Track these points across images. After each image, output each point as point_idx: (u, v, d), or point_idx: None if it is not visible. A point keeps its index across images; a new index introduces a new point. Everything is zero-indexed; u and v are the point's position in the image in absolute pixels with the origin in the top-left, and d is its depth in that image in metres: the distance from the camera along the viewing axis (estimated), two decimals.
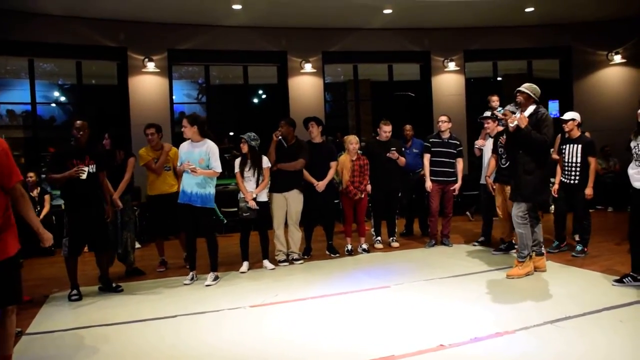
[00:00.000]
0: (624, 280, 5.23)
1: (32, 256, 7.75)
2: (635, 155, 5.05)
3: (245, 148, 6.50)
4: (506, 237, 6.98)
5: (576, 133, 6.64)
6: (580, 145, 6.56)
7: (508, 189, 6.41)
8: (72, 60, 10.39)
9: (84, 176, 5.48)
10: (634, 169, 5.07)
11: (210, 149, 6.07)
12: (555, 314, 4.44)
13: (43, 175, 8.75)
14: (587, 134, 7.33)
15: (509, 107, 6.49)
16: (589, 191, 6.55)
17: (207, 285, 5.97)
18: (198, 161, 5.98)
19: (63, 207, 5.76)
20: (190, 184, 6.00)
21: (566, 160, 6.62)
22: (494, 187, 6.97)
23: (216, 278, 6.12)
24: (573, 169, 6.57)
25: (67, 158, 5.56)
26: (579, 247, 6.69)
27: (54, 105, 13.55)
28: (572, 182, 6.58)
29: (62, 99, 13.62)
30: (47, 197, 8.42)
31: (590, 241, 6.73)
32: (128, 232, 6.52)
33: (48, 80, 12.71)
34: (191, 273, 6.20)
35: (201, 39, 10.63)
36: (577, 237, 7.00)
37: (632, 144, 5.10)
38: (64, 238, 5.64)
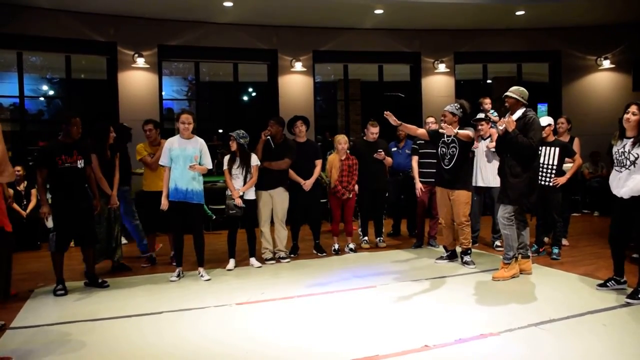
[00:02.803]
0: (607, 284, 5.27)
1: (18, 250, 7.69)
2: (615, 161, 5.02)
3: (234, 146, 6.50)
4: (449, 245, 6.76)
5: (552, 137, 6.69)
6: (558, 148, 6.62)
7: (452, 193, 6.40)
8: (61, 54, 10.34)
9: (49, 224, 5.59)
10: (615, 175, 5.03)
11: (202, 145, 6.16)
12: (540, 317, 4.47)
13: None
14: (576, 139, 7.36)
15: (449, 108, 6.32)
16: (562, 179, 6.64)
17: (207, 280, 6.05)
18: (193, 157, 6.02)
19: (50, 201, 5.73)
20: (185, 181, 6.00)
21: (543, 162, 6.64)
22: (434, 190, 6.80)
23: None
24: (549, 171, 6.63)
25: (56, 154, 5.53)
26: (555, 250, 6.75)
27: (42, 99, 13.46)
28: (547, 183, 6.62)
29: (51, 92, 13.54)
30: (33, 191, 8.34)
31: (575, 245, 6.75)
32: (119, 225, 6.60)
33: (37, 73, 12.64)
34: (178, 269, 6.19)
35: (192, 35, 10.61)
36: (546, 240, 7.10)
37: (614, 149, 5.06)
38: (50, 233, 5.62)
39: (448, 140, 6.36)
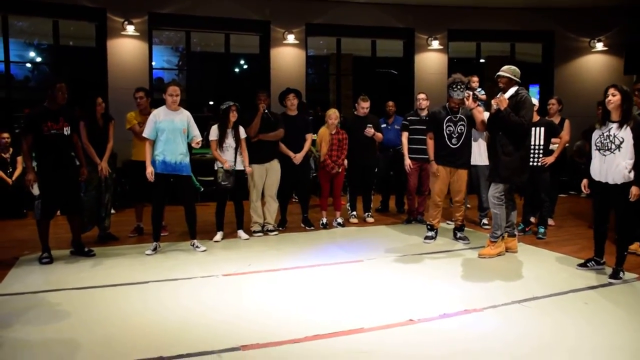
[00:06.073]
0: (587, 264, 5.34)
1: (3, 218, 7.65)
2: (600, 144, 4.98)
3: (235, 116, 6.42)
4: (437, 224, 6.62)
5: (536, 117, 6.61)
6: (543, 128, 6.60)
7: (456, 171, 6.37)
8: (48, 19, 10.12)
9: (35, 191, 5.55)
10: (600, 159, 4.99)
11: (189, 117, 6.07)
12: (523, 294, 4.52)
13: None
14: (567, 120, 7.34)
15: (466, 93, 6.20)
16: (550, 158, 6.60)
17: (203, 251, 6.07)
18: (182, 130, 5.95)
19: (36, 169, 5.67)
20: (175, 154, 5.91)
21: (531, 143, 6.59)
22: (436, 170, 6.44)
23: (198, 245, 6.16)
24: (537, 151, 6.61)
25: (42, 120, 5.45)
26: (541, 229, 6.80)
27: (28, 65, 13.25)
28: (535, 164, 6.60)
29: (38, 59, 13.33)
30: (19, 158, 8.25)
31: (561, 225, 6.78)
32: (110, 194, 6.57)
33: (23, 39, 12.41)
34: (154, 244, 6.06)
35: (183, 3, 10.42)
36: (532, 219, 7.11)
37: (597, 133, 5.04)
38: (36, 200, 5.57)
39: (456, 118, 6.33)
